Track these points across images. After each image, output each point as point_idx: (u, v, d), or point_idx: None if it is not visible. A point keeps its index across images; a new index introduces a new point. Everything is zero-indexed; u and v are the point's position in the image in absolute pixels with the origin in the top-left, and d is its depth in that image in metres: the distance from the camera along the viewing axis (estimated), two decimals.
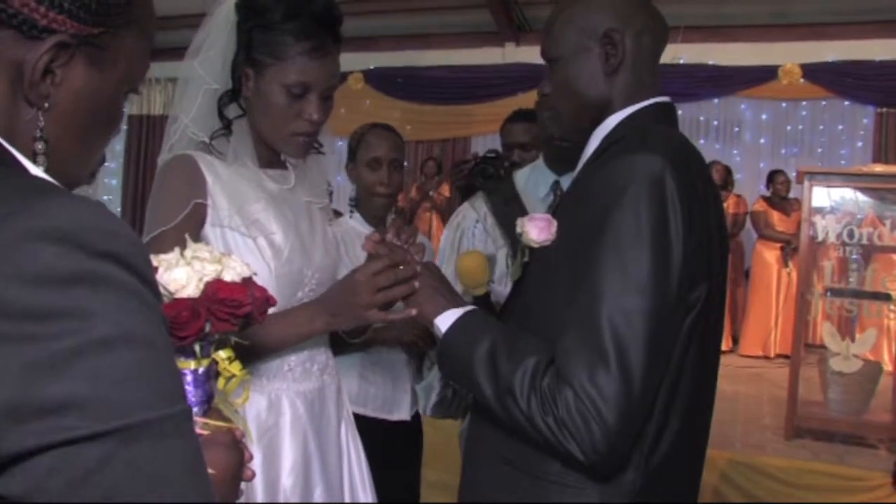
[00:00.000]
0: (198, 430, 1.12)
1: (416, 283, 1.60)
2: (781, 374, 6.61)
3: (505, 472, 1.49)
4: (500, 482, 1.51)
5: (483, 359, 1.40)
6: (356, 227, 2.83)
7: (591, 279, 1.32)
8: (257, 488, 1.66)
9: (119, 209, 12.83)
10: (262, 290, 1.22)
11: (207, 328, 1.14)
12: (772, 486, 4.61)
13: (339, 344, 1.93)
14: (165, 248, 1.39)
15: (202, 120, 1.75)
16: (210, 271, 1.16)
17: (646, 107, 1.53)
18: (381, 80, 10.65)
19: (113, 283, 0.69)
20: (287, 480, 1.73)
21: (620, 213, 1.32)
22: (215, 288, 1.14)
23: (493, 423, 1.47)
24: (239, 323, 1.17)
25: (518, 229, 1.54)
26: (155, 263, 1.13)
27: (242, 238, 1.70)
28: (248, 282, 1.19)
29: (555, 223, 1.51)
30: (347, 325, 1.74)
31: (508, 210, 2.36)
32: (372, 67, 10.51)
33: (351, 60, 9.86)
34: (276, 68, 1.72)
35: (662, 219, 1.31)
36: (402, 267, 1.62)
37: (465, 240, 2.52)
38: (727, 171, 8.82)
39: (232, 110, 1.78)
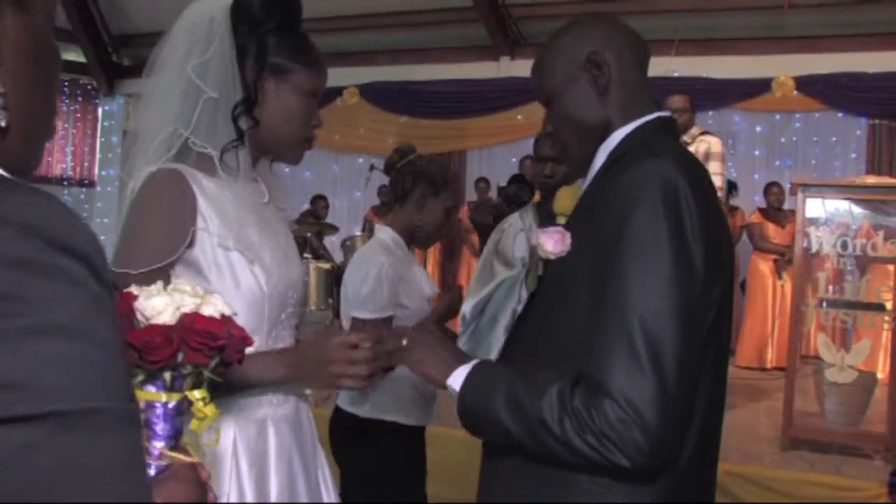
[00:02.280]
0: (160, 463, 1.12)
1: (400, 359, 1.61)
2: (777, 386, 6.61)
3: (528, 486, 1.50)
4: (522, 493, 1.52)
5: (504, 402, 1.40)
6: (399, 253, 2.93)
7: (616, 286, 1.35)
8: None
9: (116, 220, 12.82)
10: (241, 329, 1.20)
11: (180, 358, 1.13)
12: (769, 496, 4.61)
13: None
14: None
15: (205, 131, 1.64)
16: (189, 303, 1.15)
17: (648, 121, 1.57)
18: (376, 94, 10.67)
19: (66, 275, 0.69)
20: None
21: (638, 218, 1.35)
22: (192, 319, 1.13)
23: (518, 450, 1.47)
24: (212, 356, 1.15)
25: (532, 241, 1.57)
26: (136, 292, 1.14)
27: (238, 258, 1.65)
28: (226, 319, 1.18)
29: (568, 235, 1.54)
30: (316, 387, 1.68)
31: (554, 223, 2.40)
32: (367, 82, 10.53)
33: (346, 75, 9.88)
34: (300, 74, 1.70)
35: (679, 220, 1.35)
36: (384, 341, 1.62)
37: (505, 242, 2.56)
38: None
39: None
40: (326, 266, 9.24)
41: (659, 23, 8.98)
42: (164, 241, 1.57)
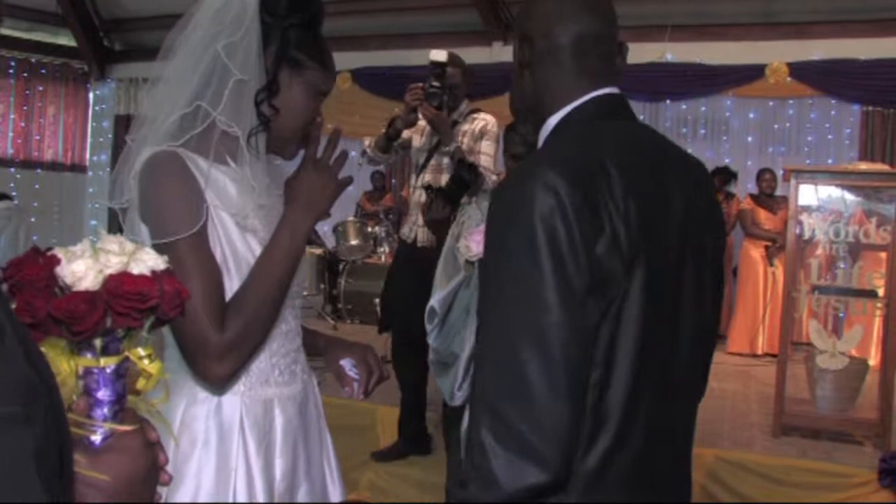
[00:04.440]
0: (104, 430, 1.09)
1: None
2: (769, 372, 6.63)
3: None
4: None
5: None
6: None
7: (495, 301, 1.35)
8: (259, 496, 1.67)
9: (106, 208, 12.79)
10: (173, 283, 1.14)
11: (108, 323, 1.07)
12: (759, 483, 4.63)
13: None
14: (188, 255, 1.43)
15: (231, 113, 1.67)
16: (115, 263, 1.10)
17: (581, 104, 1.53)
18: (368, 79, 10.63)
19: None
20: (280, 485, 1.74)
21: (513, 235, 1.34)
22: (119, 281, 1.07)
23: None
24: (144, 317, 1.10)
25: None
26: (60, 255, 1.09)
27: (239, 238, 1.69)
28: (158, 275, 1.12)
29: None
30: (328, 208, 1.78)
31: None
32: (360, 67, 10.50)
33: (338, 60, 9.72)
34: (315, 73, 1.75)
35: (553, 234, 1.31)
36: None
37: (465, 234, 2.55)
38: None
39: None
40: (318, 251, 9.23)
41: (652, 8, 8.96)
42: (191, 205, 1.62)
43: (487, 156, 4.77)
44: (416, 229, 4.89)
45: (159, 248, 1.52)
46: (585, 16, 1.57)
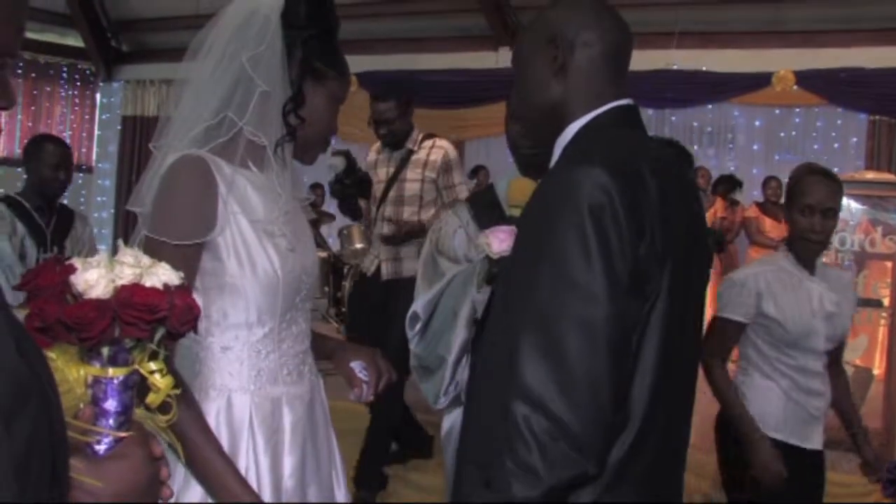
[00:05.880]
0: (104, 443, 1.09)
1: None
2: None
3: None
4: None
5: None
6: (787, 267, 2.98)
7: (541, 294, 1.34)
8: (265, 492, 1.68)
9: (113, 210, 12.80)
10: (186, 298, 1.15)
11: (117, 332, 1.09)
12: None
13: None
14: (163, 258, 1.42)
15: (257, 122, 1.72)
16: (128, 275, 1.12)
17: (603, 112, 1.55)
18: (375, 83, 10.64)
19: None
20: (289, 482, 1.76)
21: (563, 228, 1.35)
22: (130, 292, 1.10)
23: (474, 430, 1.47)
24: (151, 329, 1.11)
25: (481, 240, 1.57)
26: (77, 264, 1.11)
27: (255, 242, 1.71)
28: (170, 289, 1.14)
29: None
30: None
31: (490, 217, 2.39)
32: (366, 70, 10.52)
33: None
34: (335, 82, 1.82)
35: (603, 230, 1.33)
36: None
37: (444, 241, 2.54)
38: (709, 176, 8.89)
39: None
40: (323, 255, 9.22)
41: (659, 15, 8.97)
42: (197, 218, 1.65)
43: (462, 185, 4.75)
44: (377, 262, 4.75)
45: (147, 241, 1.60)
46: (617, 26, 1.61)
